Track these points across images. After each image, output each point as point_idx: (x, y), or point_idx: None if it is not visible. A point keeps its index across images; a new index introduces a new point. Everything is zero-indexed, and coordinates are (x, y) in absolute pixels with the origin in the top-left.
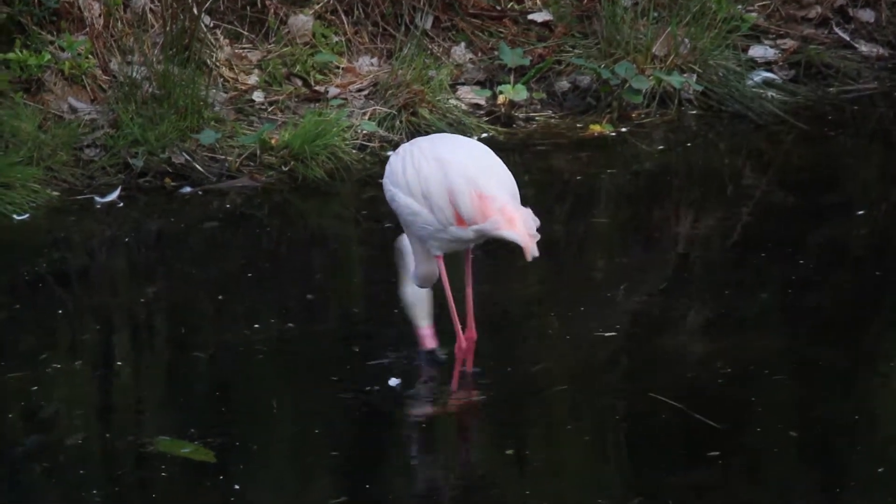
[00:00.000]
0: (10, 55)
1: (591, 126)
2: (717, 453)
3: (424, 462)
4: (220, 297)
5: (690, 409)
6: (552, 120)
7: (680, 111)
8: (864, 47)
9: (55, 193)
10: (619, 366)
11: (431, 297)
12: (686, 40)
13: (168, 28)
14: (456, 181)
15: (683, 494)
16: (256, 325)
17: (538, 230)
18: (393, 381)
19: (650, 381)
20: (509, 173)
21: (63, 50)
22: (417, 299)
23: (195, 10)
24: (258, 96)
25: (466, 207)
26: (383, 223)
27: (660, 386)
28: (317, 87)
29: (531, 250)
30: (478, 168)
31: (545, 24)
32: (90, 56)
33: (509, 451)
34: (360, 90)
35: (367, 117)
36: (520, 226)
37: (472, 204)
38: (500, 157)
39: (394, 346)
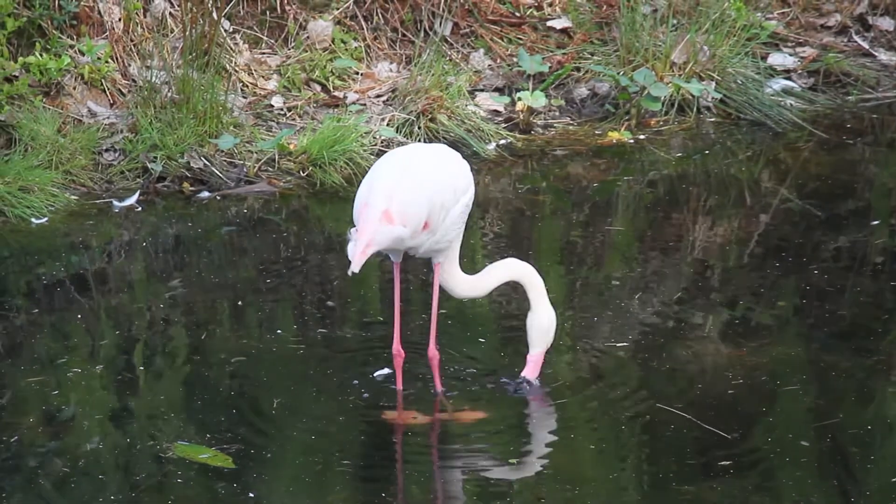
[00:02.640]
0: (31, 59)
1: (610, 133)
2: (729, 463)
3: (438, 470)
4: (238, 303)
5: (702, 420)
6: (570, 126)
7: (698, 118)
8: (883, 55)
9: (73, 197)
10: (631, 376)
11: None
12: (705, 48)
13: (187, 33)
14: (362, 188)
15: None
16: (278, 331)
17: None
18: (379, 373)
19: (662, 392)
20: (433, 194)
21: (83, 54)
22: (543, 325)
23: (215, 15)
24: (277, 101)
25: (355, 213)
26: None
27: (672, 396)
28: (336, 93)
29: (353, 265)
30: (388, 179)
31: (564, 31)
32: (110, 60)
33: (514, 460)
34: (378, 96)
35: (385, 123)
36: (360, 240)
37: (357, 211)
38: (518, 164)
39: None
